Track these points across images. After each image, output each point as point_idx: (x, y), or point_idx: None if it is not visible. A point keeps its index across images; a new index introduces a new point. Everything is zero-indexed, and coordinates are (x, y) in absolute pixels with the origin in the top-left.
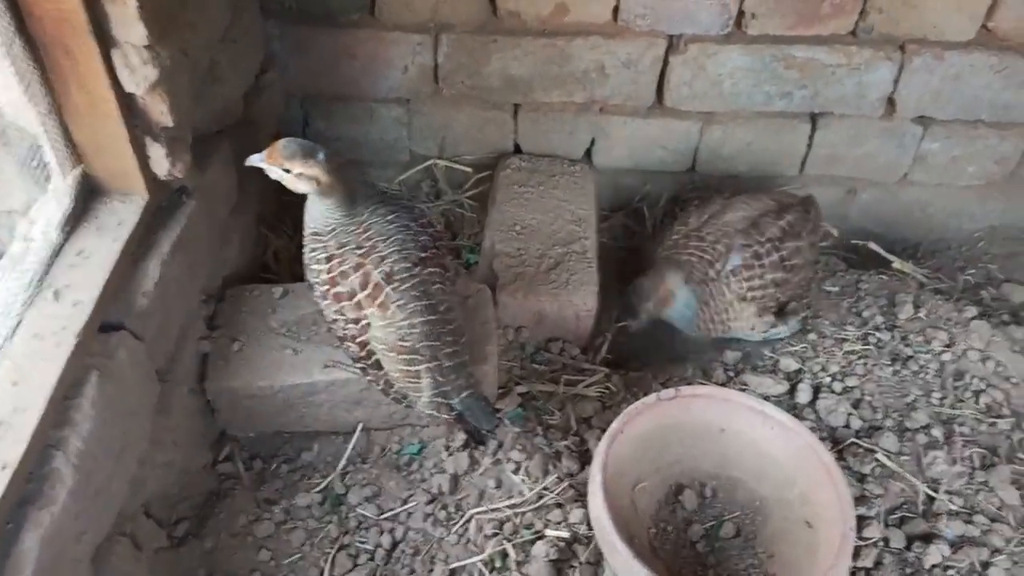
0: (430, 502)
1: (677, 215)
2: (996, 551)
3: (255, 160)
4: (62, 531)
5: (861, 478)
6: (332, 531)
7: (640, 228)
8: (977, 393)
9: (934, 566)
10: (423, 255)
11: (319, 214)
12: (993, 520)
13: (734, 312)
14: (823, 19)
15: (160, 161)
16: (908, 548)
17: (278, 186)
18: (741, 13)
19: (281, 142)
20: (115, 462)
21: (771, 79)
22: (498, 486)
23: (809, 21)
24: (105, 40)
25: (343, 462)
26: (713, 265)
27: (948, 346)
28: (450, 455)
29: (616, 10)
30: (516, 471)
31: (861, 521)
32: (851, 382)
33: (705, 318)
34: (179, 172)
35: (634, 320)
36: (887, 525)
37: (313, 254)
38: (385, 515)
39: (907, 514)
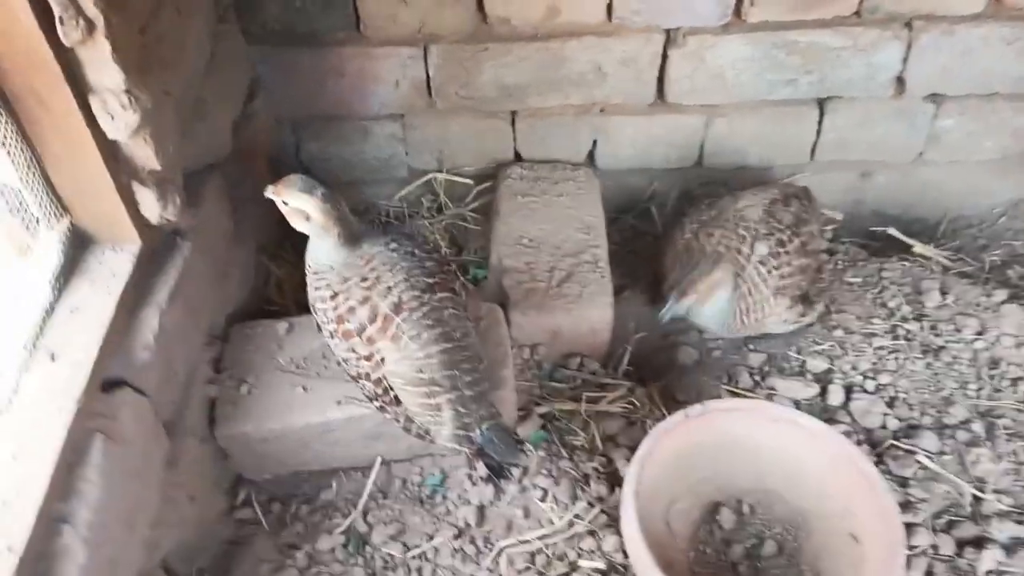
0: (457, 536)
1: (687, 212)
2: None
3: (268, 191)
4: None
5: (903, 482)
6: (358, 575)
7: (650, 229)
8: (1015, 381)
9: (989, 572)
10: (431, 281)
11: (319, 254)
12: None
13: (769, 307)
14: (824, 1)
15: (150, 206)
16: (959, 554)
17: (278, 214)
18: (739, 1)
19: (290, 177)
20: (127, 528)
21: (774, 67)
22: (526, 515)
23: (810, 4)
24: (81, 87)
25: (364, 499)
26: (741, 251)
27: (980, 333)
28: (474, 484)
29: (609, 8)
30: (543, 498)
31: (908, 528)
32: (884, 379)
33: (741, 316)
34: (171, 215)
35: (670, 311)
36: (935, 531)
37: (317, 292)
38: (412, 553)
39: (955, 518)
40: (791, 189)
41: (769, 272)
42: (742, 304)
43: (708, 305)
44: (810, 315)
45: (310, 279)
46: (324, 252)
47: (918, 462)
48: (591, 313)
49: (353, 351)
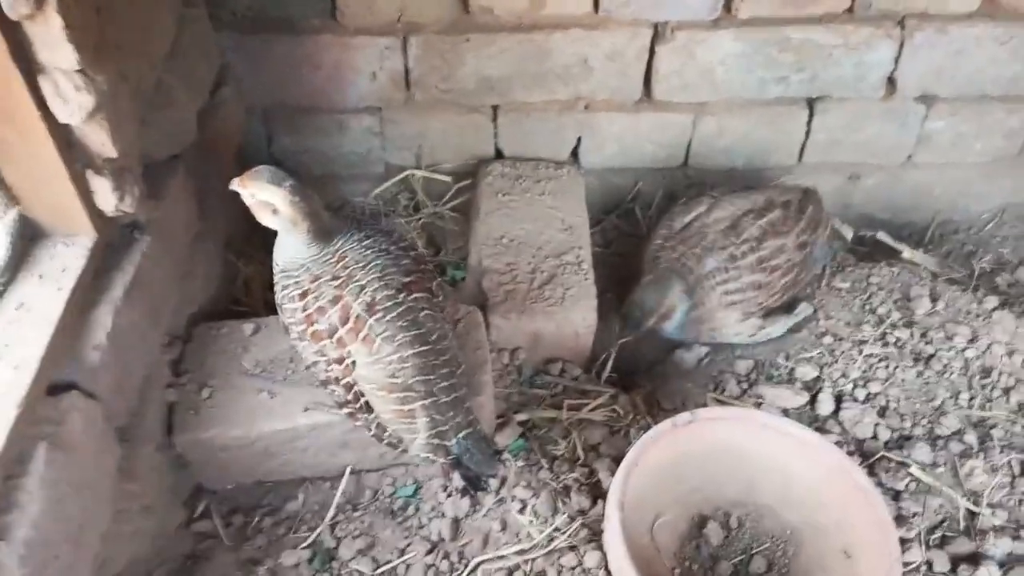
0: (430, 551)
1: (664, 215)
2: None
3: (233, 183)
4: None
5: (896, 495)
6: None
7: (633, 230)
8: (1007, 391)
9: None
10: (406, 280)
11: (289, 249)
12: None
13: (719, 320)
14: None
15: (106, 196)
16: (954, 571)
17: (246, 209)
18: None
19: (257, 168)
20: (73, 544)
21: (765, 64)
22: (503, 528)
23: (803, 1)
24: (30, 66)
25: (332, 511)
26: (693, 271)
27: (971, 341)
28: (448, 496)
29: None
30: (522, 511)
31: (900, 544)
32: (874, 388)
33: (694, 324)
34: (128, 206)
35: (634, 332)
36: (928, 547)
37: (285, 292)
38: (381, 569)
39: (949, 533)
40: (786, 194)
41: (714, 287)
42: (694, 314)
43: (668, 323)
44: (773, 328)
45: (277, 277)
46: (293, 248)
47: (911, 474)
48: (574, 316)
49: (322, 354)
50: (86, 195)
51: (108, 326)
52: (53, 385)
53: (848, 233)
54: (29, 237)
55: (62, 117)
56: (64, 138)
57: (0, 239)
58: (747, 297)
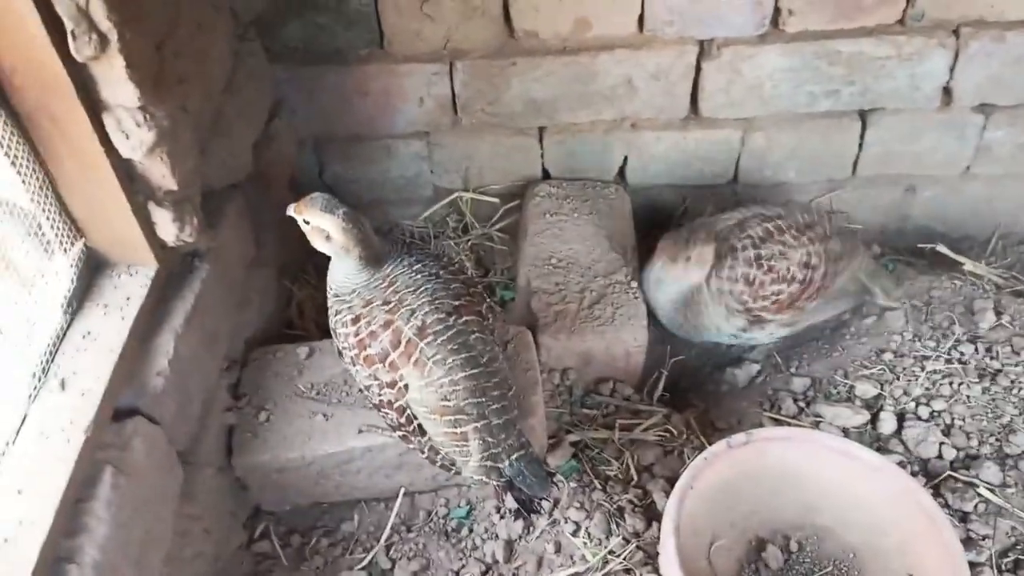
0: (484, 572)
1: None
2: None
3: (289, 209)
4: None
5: (963, 517)
6: None
7: None
8: None
9: None
10: (456, 303)
11: (340, 276)
12: None
13: (703, 311)
14: (867, 9)
15: (167, 227)
16: None
17: (300, 235)
18: (777, 10)
19: (312, 195)
20: (137, 566)
21: (814, 78)
22: (557, 551)
23: (852, 13)
24: (94, 104)
25: (387, 532)
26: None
27: None
28: (502, 518)
29: (641, 19)
30: (576, 532)
31: (971, 568)
32: (938, 405)
33: (682, 309)
34: (189, 236)
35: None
36: (1001, 571)
37: (338, 317)
38: None
39: (1022, 556)
40: (809, 216)
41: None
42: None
43: (668, 283)
44: (759, 333)
45: (331, 302)
46: (345, 274)
47: (979, 495)
48: (624, 336)
49: (375, 378)
50: (148, 226)
51: (170, 353)
52: (117, 411)
53: (879, 296)
54: (94, 268)
55: (124, 152)
56: (126, 172)
57: (66, 271)
58: (735, 290)
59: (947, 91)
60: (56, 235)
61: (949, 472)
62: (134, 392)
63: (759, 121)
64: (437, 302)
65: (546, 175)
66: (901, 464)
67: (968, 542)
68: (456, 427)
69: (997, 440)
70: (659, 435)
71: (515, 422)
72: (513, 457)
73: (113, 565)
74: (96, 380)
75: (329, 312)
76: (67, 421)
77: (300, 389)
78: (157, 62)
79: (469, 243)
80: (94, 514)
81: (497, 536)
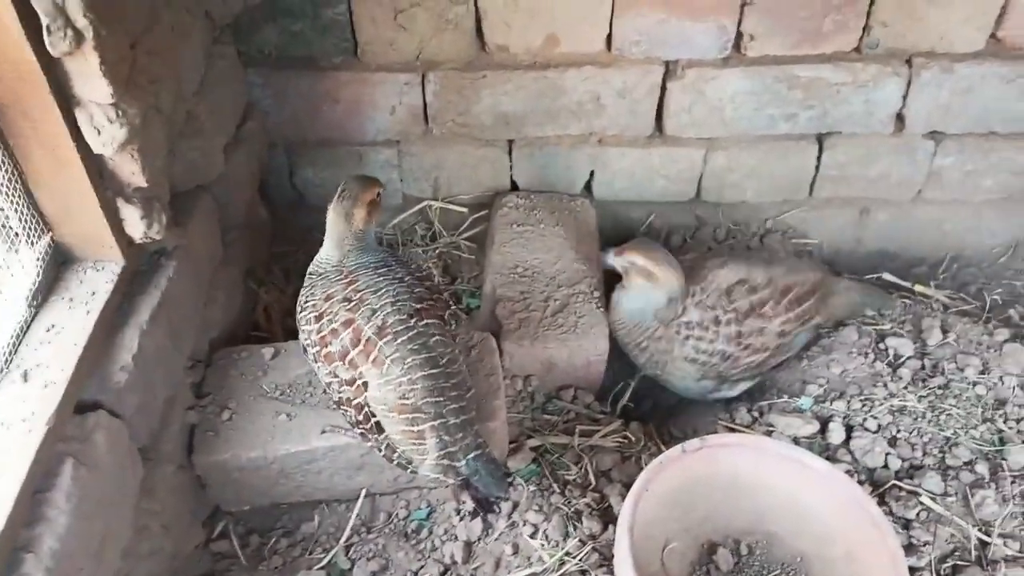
0: (443, 573)
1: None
2: None
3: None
4: None
5: (906, 524)
6: None
7: None
8: (1019, 422)
9: None
10: (419, 307)
11: (331, 246)
12: None
13: (673, 366)
14: (825, 36)
15: (135, 223)
16: None
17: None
18: (739, 35)
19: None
20: (95, 559)
21: (774, 101)
22: (515, 552)
23: (811, 39)
24: (67, 100)
25: (347, 533)
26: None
27: (983, 373)
28: (461, 520)
29: (609, 38)
30: (534, 535)
31: (911, 573)
32: (885, 418)
33: (644, 350)
34: (156, 234)
35: (610, 258)
36: (939, 575)
37: (303, 314)
38: None
39: (960, 562)
40: (794, 277)
41: (687, 338)
42: (654, 343)
43: (630, 293)
44: (728, 391)
45: (303, 291)
46: (337, 243)
47: (921, 503)
48: (586, 345)
49: (335, 375)
50: (116, 222)
51: (134, 348)
52: (80, 404)
53: (880, 320)
54: (60, 262)
55: (96, 148)
56: (96, 168)
57: (32, 263)
58: (711, 362)
59: (900, 118)
60: (24, 228)
61: (894, 481)
62: (97, 386)
63: (721, 141)
64: (399, 304)
65: (514, 187)
66: (849, 473)
67: (910, 548)
68: (413, 425)
69: (940, 452)
70: (617, 441)
71: (473, 423)
72: (470, 456)
73: (72, 555)
74: (59, 373)
75: (297, 306)
76: (29, 412)
77: (264, 389)
78: (131, 60)
79: (437, 251)
80: (54, 505)
81: (456, 537)
